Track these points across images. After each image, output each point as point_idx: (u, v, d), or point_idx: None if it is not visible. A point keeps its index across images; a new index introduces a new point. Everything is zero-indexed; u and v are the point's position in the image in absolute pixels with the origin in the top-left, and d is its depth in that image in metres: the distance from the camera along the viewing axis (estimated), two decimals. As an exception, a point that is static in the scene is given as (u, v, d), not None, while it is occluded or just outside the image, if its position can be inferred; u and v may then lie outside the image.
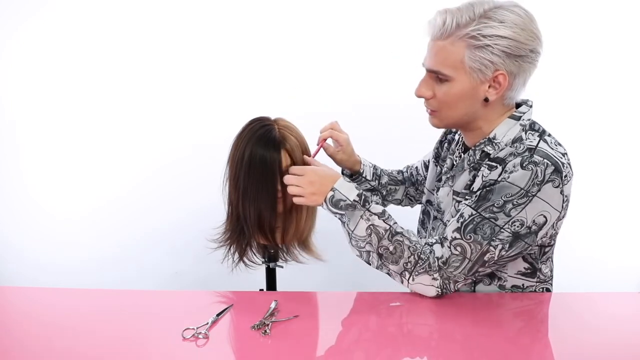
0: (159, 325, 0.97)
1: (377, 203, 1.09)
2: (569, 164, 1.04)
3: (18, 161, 1.98)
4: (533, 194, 0.98)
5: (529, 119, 1.08)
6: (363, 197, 1.06)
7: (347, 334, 0.95)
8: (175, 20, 1.88)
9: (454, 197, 1.13)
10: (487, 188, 1.01)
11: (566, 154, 1.06)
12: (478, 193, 1.02)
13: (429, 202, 1.28)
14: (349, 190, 1.06)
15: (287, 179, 1.10)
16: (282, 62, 1.88)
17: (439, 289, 1.04)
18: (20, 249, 2.03)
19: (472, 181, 1.08)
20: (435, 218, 1.21)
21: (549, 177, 0.98)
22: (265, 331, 0.93)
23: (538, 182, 0.97)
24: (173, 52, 1.89)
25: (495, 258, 1.01)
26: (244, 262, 1.27)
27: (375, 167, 1.42)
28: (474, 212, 1.01)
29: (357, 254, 1.09)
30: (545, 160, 0.99)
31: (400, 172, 1.49)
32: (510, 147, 1.04)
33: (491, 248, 1.00)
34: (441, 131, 1.30)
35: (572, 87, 1.84)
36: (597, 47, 1.82)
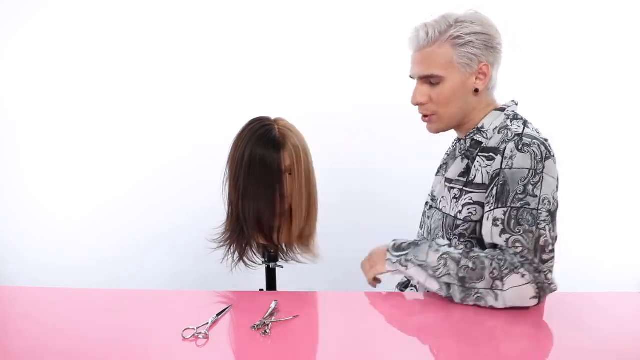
0: (159, 325, 0.97)
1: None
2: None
3: (18, 161, 1.98)
4: (541, 171, 1.04)
5: (512, 111, 1.17)
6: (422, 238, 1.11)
7: (347, 334, 0.95)
8: (176, 21, 1.88)
9: (446, 184, 1.19)
10: (501, 183, 1.05)
11: (547, 140, 1.11)
12: (494, 192, 1.05)
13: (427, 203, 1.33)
14: (404, 239, 1.11)
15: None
16: (282, 62, 1.88)
17: (534, 284, 0.98)
18: (20, 249, 2.03)
19: (467, 169, 1.15)
20: (430, 207, 1.26)
21: (546, 154, 1.05)
22: (265, 331, 0.93)
23: (540, 160, 1.04)
24: (173, 52, 1.89)
25: (550, 240, 1.04)
26: (244, 262, 1.27)
27: None
28: (505, 209, 1.03)
29: (436, 288, 1.04)
30: (534, 140, 1.06)
31: None
32: (498, 134, 1.12)
33: (541, 231, 1.02)
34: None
35: (572, 88, 1.84)
36: (593, 47, 1.82)
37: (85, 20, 1.87)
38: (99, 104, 1.93)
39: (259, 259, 1.31)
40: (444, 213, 1.17)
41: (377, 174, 1.84)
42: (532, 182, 1.03)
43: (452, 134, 1.26)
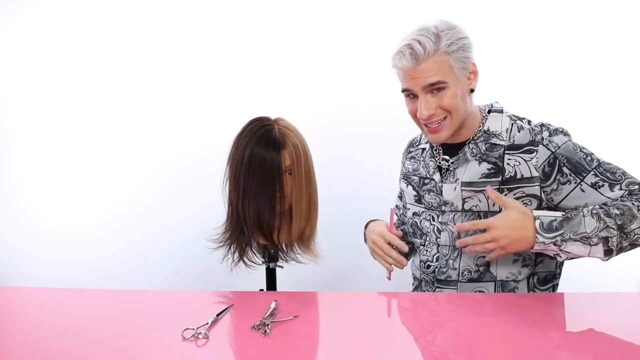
0: (159, 325, 0.97)
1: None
2: None
3: (19, 163, 1.98)
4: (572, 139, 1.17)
5: (507, 111, 1.24)
6: (567, 211, 1.06)
7: (347, 334, 0.95)
8: (176, 20, 1.88)
9: (464, 188, 1.19)
10: (565, 162, 1.12)
11: None
12: (567, 171, 1.12)
13: (415, 214, 1.31)
14: (548, 212, 1.05)
15: (477, 239, 1.06)
16: (282, 62, 1.88)
17: None
18: (21, 249, 2.03)
19: (496, 169, 1.17)
20: (444, 212, 1.23)
21: (561, 129, 1.18)
22: (265, 331, 0.93)
23: (566, 132, 1.17)
24: (173, 53, 1.89)
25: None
26: (244, 262, 1.27)
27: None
28: (592, 171, 1.10)
29: (600, 253, 1.03)
30: (551, 124, 1.18)
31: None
32: (519, 132, 1.18)
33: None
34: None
35: (571, 89, 1.84)
36: (591, 47, 1.82)
37: (85, 22, 1.87)
38: (99, 105, 1.93)
39: (259, 259, 1.31)
40: (478, 212, 1.18)
41: (379, 174, 1.84)
42: (580, 147, 1.14)
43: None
